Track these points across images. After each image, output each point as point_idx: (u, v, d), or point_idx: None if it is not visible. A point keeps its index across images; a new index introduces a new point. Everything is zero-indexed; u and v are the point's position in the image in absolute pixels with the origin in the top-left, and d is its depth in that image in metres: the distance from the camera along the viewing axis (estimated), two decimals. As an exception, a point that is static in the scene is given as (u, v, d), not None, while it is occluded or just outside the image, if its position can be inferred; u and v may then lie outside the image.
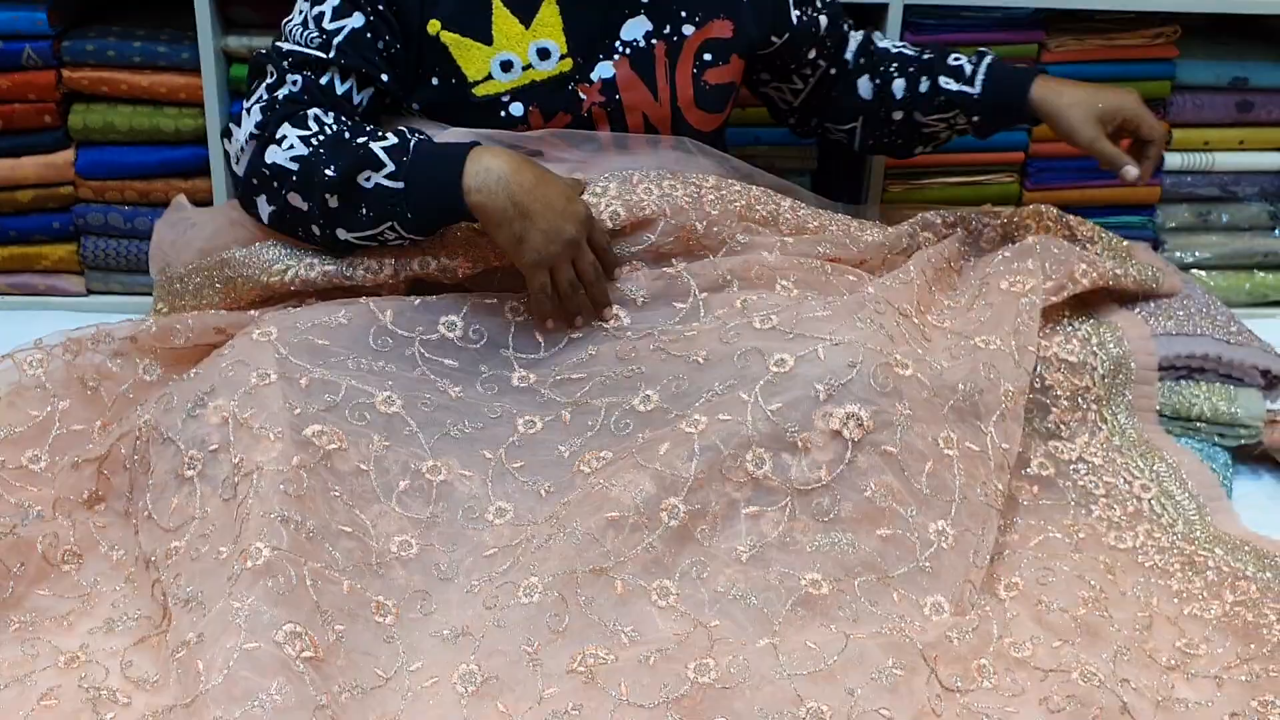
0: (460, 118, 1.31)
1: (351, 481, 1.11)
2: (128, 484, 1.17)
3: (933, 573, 1.10)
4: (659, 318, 1.25)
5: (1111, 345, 1.37)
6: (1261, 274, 1.84)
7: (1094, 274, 1.40)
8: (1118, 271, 1.42)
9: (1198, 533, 1.23)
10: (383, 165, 1.20)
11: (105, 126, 1.73)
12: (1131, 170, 1.34)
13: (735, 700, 0.98)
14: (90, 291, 1.82)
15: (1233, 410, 1.37)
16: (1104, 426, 1.33)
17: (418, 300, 1.24)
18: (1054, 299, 1.36)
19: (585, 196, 1.26)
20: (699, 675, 1.00)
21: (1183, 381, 1.40)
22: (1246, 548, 1.20)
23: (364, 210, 1.22)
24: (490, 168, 1.18)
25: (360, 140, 1.22)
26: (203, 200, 1.73)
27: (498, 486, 1.16)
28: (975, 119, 1.45)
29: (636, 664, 1.01)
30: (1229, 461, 1.37)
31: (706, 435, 1.11)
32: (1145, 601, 1.13)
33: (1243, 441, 1.38)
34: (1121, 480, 1.28)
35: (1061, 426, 1.32)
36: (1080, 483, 1.29)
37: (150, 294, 1.74)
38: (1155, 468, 1.29)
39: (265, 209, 1.28)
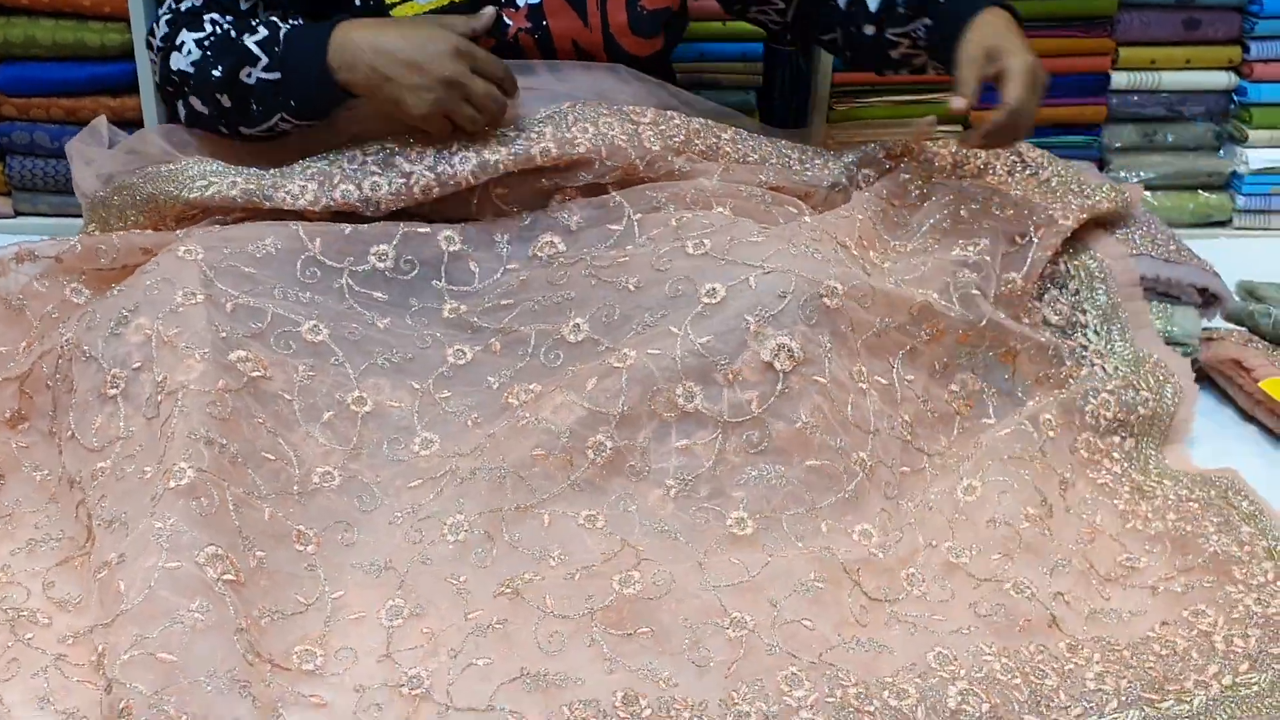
0: None
1: (276, 408, 1.10)
2: (51, 403, 1.15)
3: (856, 503, 1.10)
4: (593, 240, 1.23)
5: (1100, 289, 1.35)
6: (1205, 194, 1.85)
7: (1075, 213, 1.36)
8: (1089, 203, 1.40)
9: (1151, 466, 1.23)
10: (258, 59, 1.23)
11: (27, 41, 1.67)
12: (957, 101, 1.23)
13: (660, 611, 0.98)
14: (17, 213, 1.77)
15: (1169, 328, 1.37)
16: (1100, 360, 1.32)
17: (348, 228, 1.21)
18: (1046, 253, 1.32)
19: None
20: (623, 588, 1.00)
21: (1121, 299, 1.40)
22: (1193, 478, 1.20)
23: (254, 106, 1.25)
24: (350, 41, 1.20)
25: (242, 37, 1.24)
26: (132, 119, 1.68)
27: (424, 417, 1.15)
28: (929, 25, 1.39)
29: (562, 580, 1.01)
30: (1165, 379, 1.37)
31: (635, 369, 1.10)
32: (1089, 519, 1.13)
33: (1179, 358, 1.39)
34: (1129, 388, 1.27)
35: (1070, 380, 1.29)
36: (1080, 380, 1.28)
37: (79, 215, 1.71)
38: (1156, 383, 1.28)
39: (182, 114, 1.32)
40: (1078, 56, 1.79)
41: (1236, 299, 1.49)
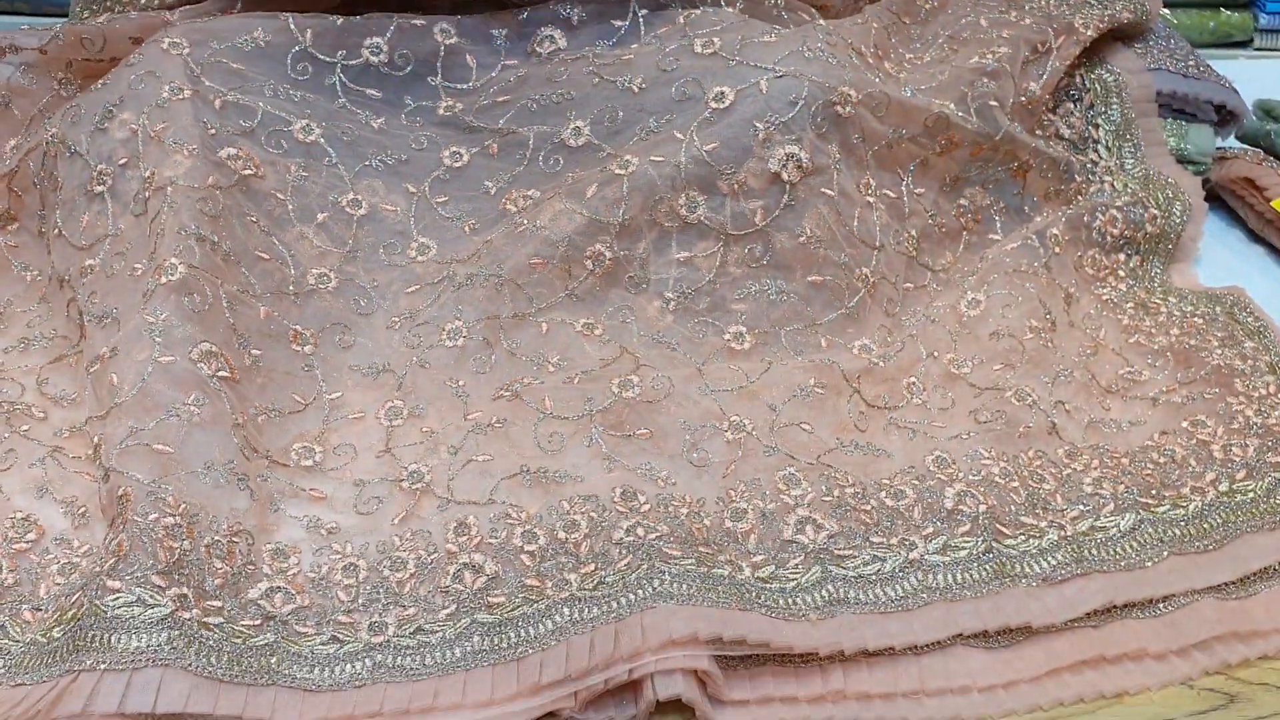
0: None
1: (269, 207, 1.07)
2: (39, 201, 1.12)
3: (857, 318, 1.08)
4: (595, 37, 1.18)
5: (1115, 104, 1.32)
6: (1227, 12, 1.78)
7: (1095, 22, 1.32)
8: (1109, 13, 1.34)
9: (1156, 284, 1.21)
10: None
11: None
12: None
13: (658, 414, 0.98)
14: (-6, 9, 1.71)
15: (1183, 145, 1.34)
16: (1110, 177, 1.29)
17: (340, 19, 1.16)
18: (1064, 63, 1.28)
19: None
20: (623, 391, 1.00)
21: (1134, 115, 1.36)
22: (1198, 295, 1.19)
23: None
24: None
25: None
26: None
27: (420, 222, 1.12)
28: None
29: (561, 384, 1.01)
30: (1176, 197, 1.35)
31: (637, 177, 1.07)
32: (1093, 333, 1.12)
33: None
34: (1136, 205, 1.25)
35: (1078, 196, 1.27)
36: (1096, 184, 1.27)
37: (57, 14, 1.65)
38: (1164, 200, 1.26)
39: None
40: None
41: (1253, 118, 1.45)
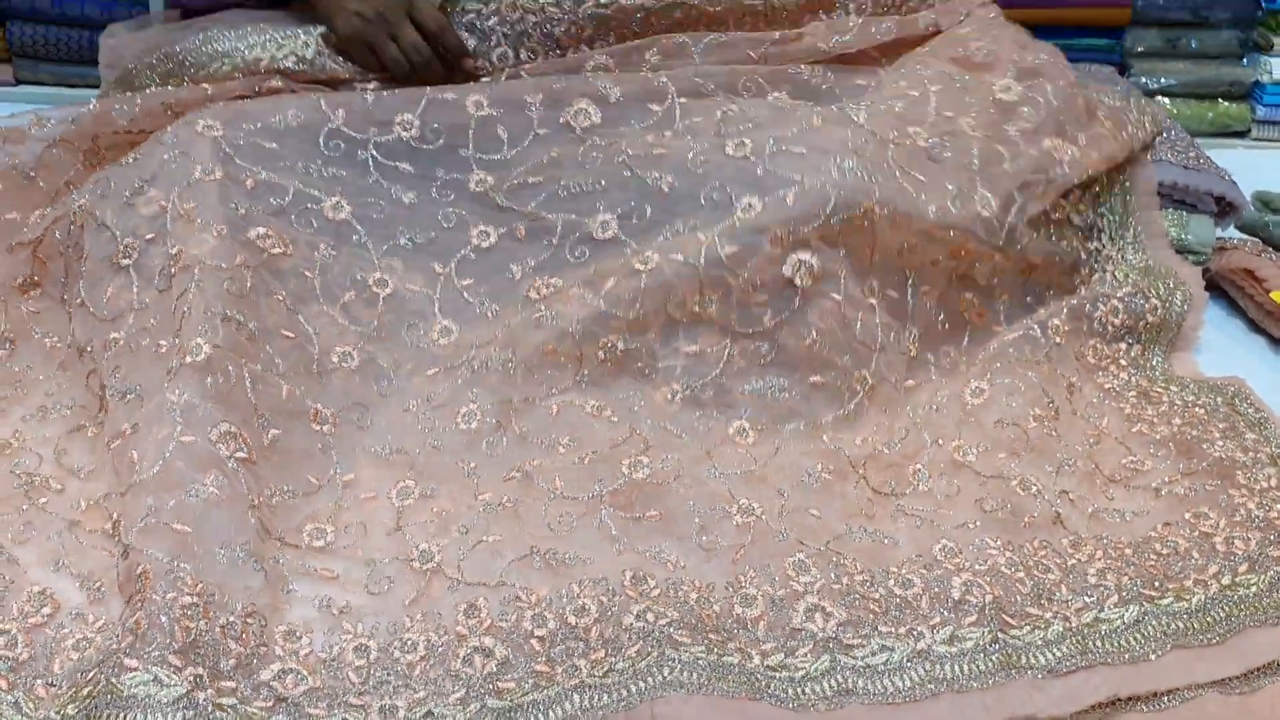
0: None
1: (295, 285, 1.09)
2: (63, 269, 1.14)
3: (856, 419, 1.10)
4: (632, 118, 1.19)
5: (1118, 194, 1.34)
6: (1225, 103, 1.82)
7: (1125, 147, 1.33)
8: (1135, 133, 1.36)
9: (1158, 373, 1.23)
10: None
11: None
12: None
13: (668, 496, 0.99)
14: (18, 80, 1.74)
15: (1184, 236, 1.36)
16: (1113, 267, 1.30)
17: (371, 96, 1.19)
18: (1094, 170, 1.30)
19: None
20: (633, 472, 1.01)
21: (1137, 205, 1.39)
22: (1199, 385, 1.21)
23: None
24: None
25: None
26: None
27: (444, 304, 1.14)
28: None
29: (572, 464, 1.02)
30: (1177, 286, 1.37)
31: (655, 274, 1.08)
32: (1096, 422, 1.14)
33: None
34: (1138, 295, 1.26)
35: (1081, 287, 1.28)
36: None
37: (82, 85, 1.68)
38: (1164, 289, 1.28)
39: None
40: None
41: (1252, 209, 1.48)
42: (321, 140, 1.15)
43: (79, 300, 1.10)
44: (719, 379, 1.09)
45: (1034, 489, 1.03)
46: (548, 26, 1.23)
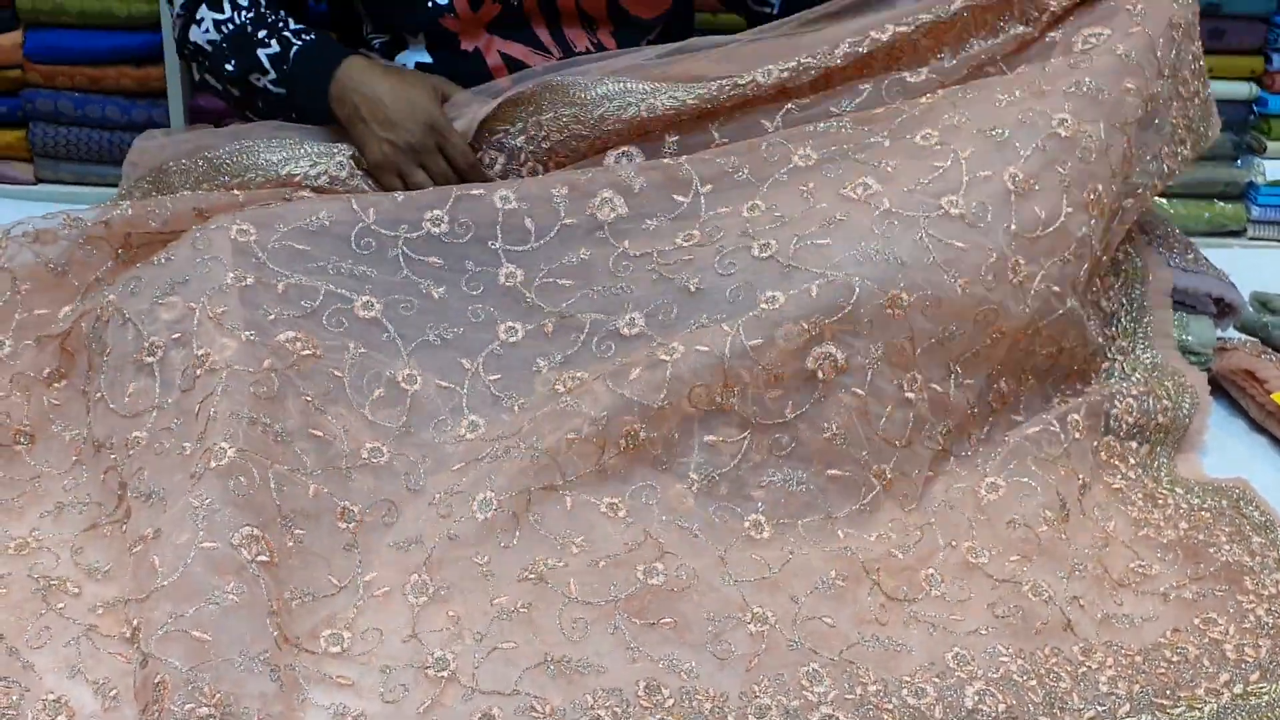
0: (385, 6, 1.33)
1: (325, 385, 1.10)
2: (87, 362, 1.15)
3: (872, 515, 1.11)
4: (656, 208, 1.20)
5: (1138, 288, 1.37)
6: (1222, 204, 1.86)
7: (1152, 179, 1.32)
8: (1164, 166, 1.34)
9: (1163, 474, 1.24)
10: (268, 71, 1.29)
11: (55, 9, 1.68)
12: None
13: (682, 603, 1.00)
14: (39, 180, 1.78)
15: (1185, 337, 1.38)
16: (1124, 360, 1.32)
17: (401, 195, 1.21)
18: (1122, 228, 1.31)
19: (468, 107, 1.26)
20: (648, 578, 1.02)
21: (1138, 307, 1.41)
22: (1204, 487, 1.22)
23: (259, 104, 1.32)
24: (349, 79, 1.26)
25: (257, 38, 1.28)
26: (156, 89, 1.69)
27: (472, 399, 1.15)
28: None
29: (586, 568, 1.03)
30: (1180, 387, 1.39)
31: (680, 365, 1.09)
32: (1104, 524, 1.15)
33: (1193, 367, 1.40)
34: (1148, 399, 1.28)
35: (1094, 378, 1.30)
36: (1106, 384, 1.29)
37: (101, 184, 1.71)
38: (1173, 391, 1.30)
39: (195, 76, 1.42)
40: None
41: (1250, 310, 1.50)
42: (353, 239, 1.17)
43: (99, 395, 1.11)
44: (736, 471, 1.10)
45: (1045, 595, 1.04)
46: (573, 143, 1.26)
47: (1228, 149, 1.86)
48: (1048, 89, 1.23)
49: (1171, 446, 1.28)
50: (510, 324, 1.17)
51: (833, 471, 1.11)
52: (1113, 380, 1.28)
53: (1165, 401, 1.27)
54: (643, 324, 1.15)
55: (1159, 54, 1.28)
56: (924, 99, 1.26)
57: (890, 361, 1.12)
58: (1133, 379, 1.29)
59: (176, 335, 1.09)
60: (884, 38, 1.25)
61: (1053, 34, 1.31)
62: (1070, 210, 1.19)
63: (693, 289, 1.15)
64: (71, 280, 1.21)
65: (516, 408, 1.14)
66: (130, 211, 1.22)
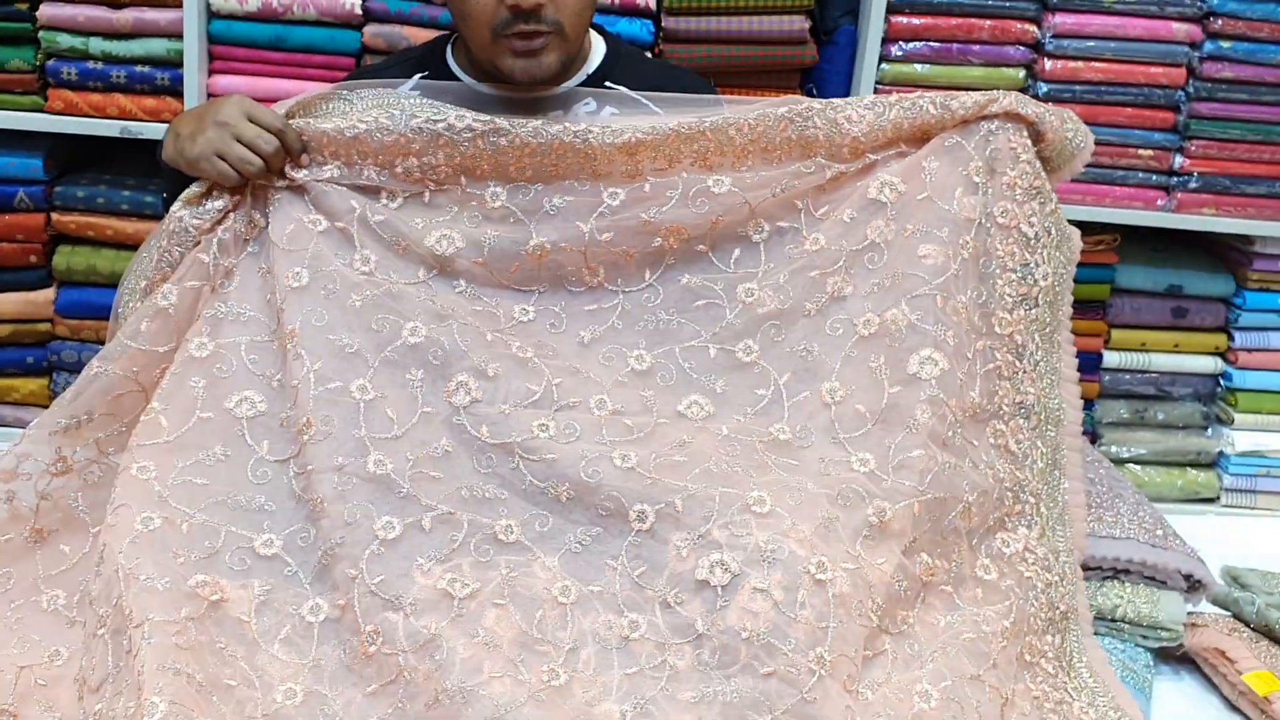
0: None
1: (235, 631, 1.13)
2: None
3: (817, 703, 1.09)
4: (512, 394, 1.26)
5: (1051, 432, 1.38)
6: (1194, 472, 1.91)
7: (1013, 321, 1.35)
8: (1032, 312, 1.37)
9: (1077, 668, 1.29)
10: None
11: (88, 269, 1.79)
12: None
13: None
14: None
15: (1155, 613, 1.40)
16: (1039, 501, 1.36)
17: (284, 416, 1.24)
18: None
19: None
20: None
21: (1108, 582, 1.44)
22: (1108, 700, 1.26)
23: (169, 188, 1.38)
24: (169, 126, 1.34)
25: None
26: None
27: (368, 619, 1.14)
28: None
29: None
30: (1150, 662, 1.40)
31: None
32: None
33: (1164, 643, 1.42)
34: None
35: (1006, 519, 1.33)
36: (1025, 573, 1.31)
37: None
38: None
39: None
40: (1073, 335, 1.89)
41: (1221, 584, 1.53)
42: (249, 469, 1.22)
43: (83, 679, 1.14)
44: (665, 689, 1.11)
45: None
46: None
47: (1197, 419, 1.93)
48: (850, 292, 1.32)
49: (1077, 630, 1.32)
50: (388, 519, 1.19)
51: (766, 669, 1.10)
52: (1033, 581, 1.31)
53: (1063, 590, 1.33)
54: (519, 532, 1.20)
55: (956, 209, 1.33)
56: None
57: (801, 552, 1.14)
58: (1050, 571, 1.32)
59: (114, 600, 1.12)
60: (709, 121, 1.31)
61: (858, 182, 1.36)
62: (897, 389, 1.26)
63: (564, 499, 1.20)
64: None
65: (408, 611, 1.14)
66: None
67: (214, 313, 1.28)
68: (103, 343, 1.79)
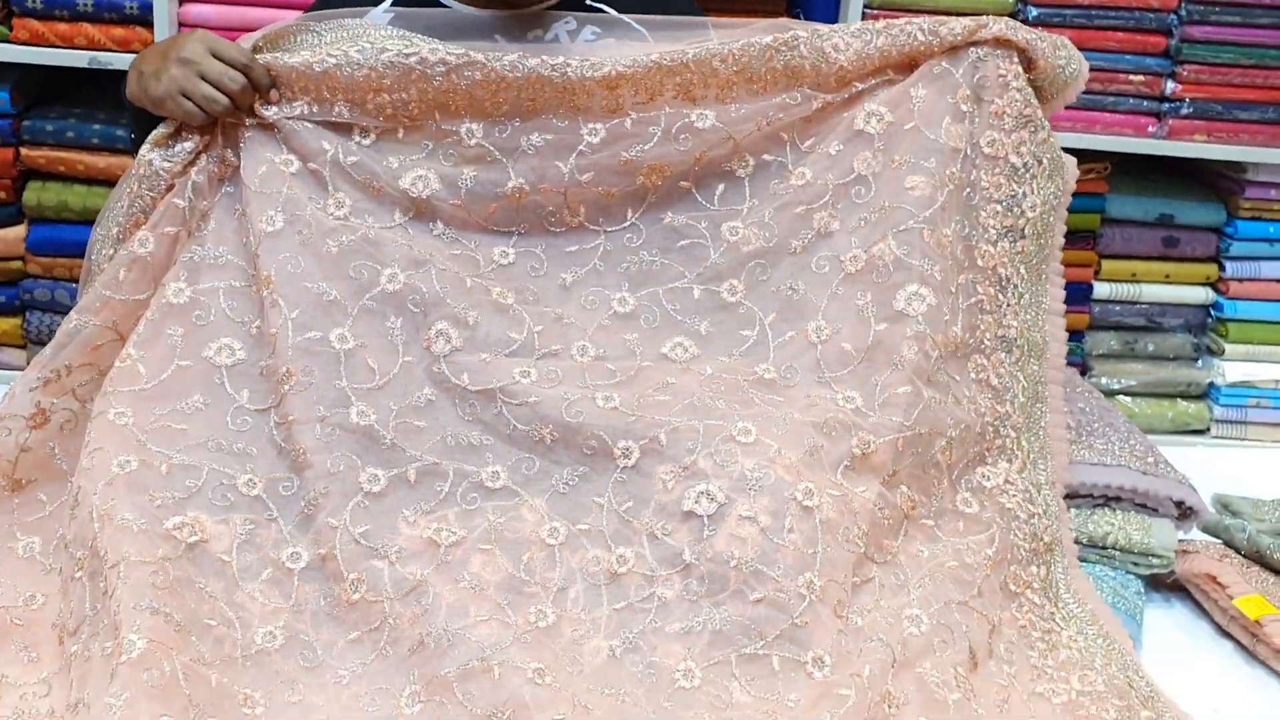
0: None
1: (214, 569, 1.12)
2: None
3: (807, 628, 1.09)
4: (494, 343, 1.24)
5: (1034, 365, 1.37)
6: (1184, 403, 1.91)
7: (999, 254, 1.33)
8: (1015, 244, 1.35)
9: (1059, 603, 1.28)
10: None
11: (59, 205, 1.75)
12: None
13: None
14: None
15: (1146, 540, 1.40)
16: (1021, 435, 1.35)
17: (265, 364, 1.22)
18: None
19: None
20: None
21: (1099, 509, 1.43)
22: (1098, 630, 1.26)
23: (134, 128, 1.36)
24: (132, 64, 1.31)
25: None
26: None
27: (349, 562, 1.14)
28: None
29: None
30: (1141, 589, 1.40)
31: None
32: (1008, 672, 1.18)
33: (1155, 570, 1.41)
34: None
35: (986, 454, 1.32)
36: (1007, 504, 1.30)
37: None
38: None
39: None
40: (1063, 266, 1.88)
41: (1212, 511, 1.52)
42: (229, 418, 1.20)
43: (62, 626, 1.12)
44: (654, 620, 1.10)
45: None
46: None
47: (1188, 350, 1.92)
48: (836, 228, 1.30)
49: (1062, 560, 1.31)
50: (372, 471, 1.18)
51: (755, 595, 1.09)
52: (1017, 511, 1.30)
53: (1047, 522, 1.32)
54: (505, 477, 1.19)
55: (944, 138, 1.30)
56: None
57: (784, 478, 1.13)
58: (1032, 498, 1.31)
59: (90, 542, 1.10)
60: (691, 53, 1.27)
61: (845, 113, 1.33)
62: (884, 326, 1.25)
63: (549, 440, 1.19)
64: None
65: (393, 559, 1.13)
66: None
67: (190, 256, 1.25)
68: (75, 280, 1.78)
